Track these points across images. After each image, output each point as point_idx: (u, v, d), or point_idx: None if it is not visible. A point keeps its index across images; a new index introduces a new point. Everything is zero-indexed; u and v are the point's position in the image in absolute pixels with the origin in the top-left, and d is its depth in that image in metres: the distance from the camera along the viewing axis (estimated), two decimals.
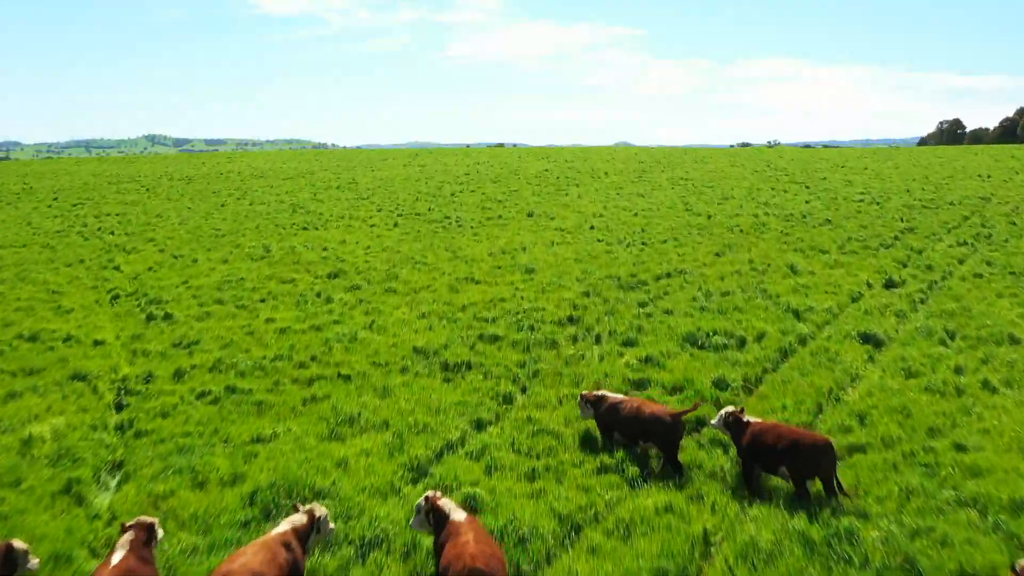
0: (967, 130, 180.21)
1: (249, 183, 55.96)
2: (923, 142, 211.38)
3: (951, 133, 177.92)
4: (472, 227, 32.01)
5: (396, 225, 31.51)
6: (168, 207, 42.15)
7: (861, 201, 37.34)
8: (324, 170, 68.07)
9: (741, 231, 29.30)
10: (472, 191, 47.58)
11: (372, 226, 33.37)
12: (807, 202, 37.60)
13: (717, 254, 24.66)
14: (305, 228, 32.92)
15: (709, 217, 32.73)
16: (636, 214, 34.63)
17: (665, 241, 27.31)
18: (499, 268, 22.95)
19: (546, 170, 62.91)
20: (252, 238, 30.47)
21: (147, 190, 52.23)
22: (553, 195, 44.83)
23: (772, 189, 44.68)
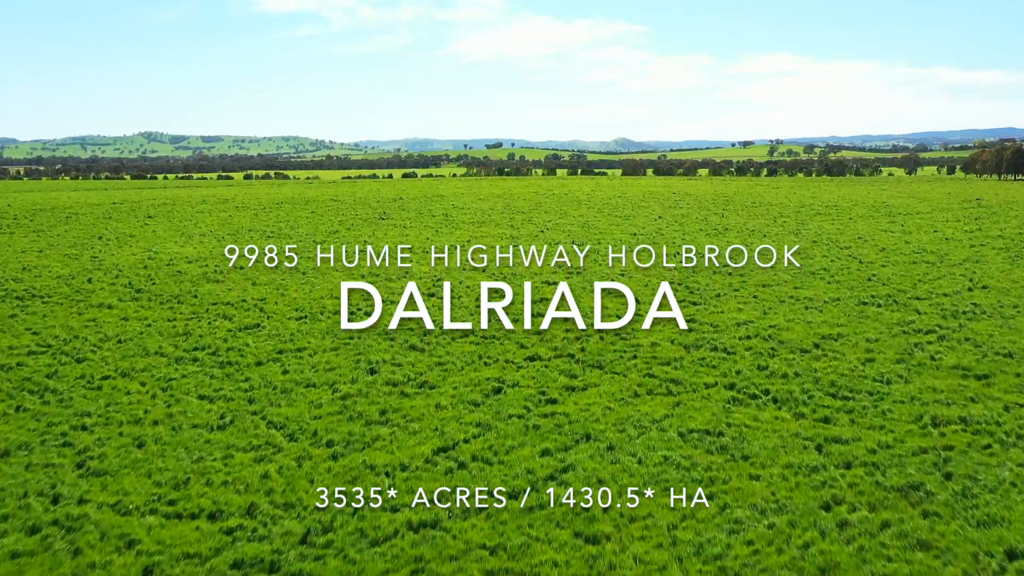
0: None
1: (84, 326, 34.17)
2: (969, 166, 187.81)
3: (1017, 156, 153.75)
4: None
5: None
6: None
7: None
8: (214, 281, 46.11)
9: None
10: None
11: None
12: None
13: None
14: None
15: None
16: None
17: None
18: None
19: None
20: None
21: None
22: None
23: None
